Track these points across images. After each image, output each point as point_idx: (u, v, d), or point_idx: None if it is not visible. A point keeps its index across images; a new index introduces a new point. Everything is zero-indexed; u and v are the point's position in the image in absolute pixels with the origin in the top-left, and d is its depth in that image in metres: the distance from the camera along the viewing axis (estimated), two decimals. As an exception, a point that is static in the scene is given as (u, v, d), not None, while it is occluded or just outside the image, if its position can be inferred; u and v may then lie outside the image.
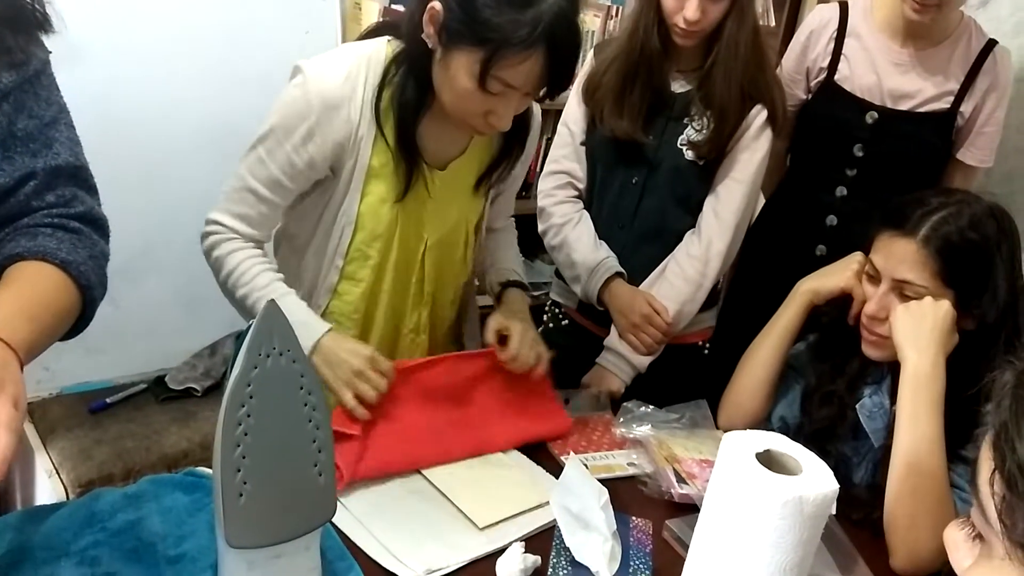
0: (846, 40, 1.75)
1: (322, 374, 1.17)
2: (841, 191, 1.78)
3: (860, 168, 1.75)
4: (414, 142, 1.22)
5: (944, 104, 1.70)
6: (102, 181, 1.01)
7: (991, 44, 1.69)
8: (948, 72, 1.69)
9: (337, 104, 1.19)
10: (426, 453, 1.22)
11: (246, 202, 1.23)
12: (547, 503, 1.12)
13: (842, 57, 1.75)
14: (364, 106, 1.21)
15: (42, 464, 1.84)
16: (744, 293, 1.91)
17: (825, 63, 1.77)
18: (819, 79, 1.79)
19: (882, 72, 1.71)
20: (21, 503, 1.88)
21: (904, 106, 1.71)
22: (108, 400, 2.05)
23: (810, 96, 1.82)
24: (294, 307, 1.21)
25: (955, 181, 1.76)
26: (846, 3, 1.78)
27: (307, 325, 1.20)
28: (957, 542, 0.61)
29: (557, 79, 1.14)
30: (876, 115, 1.72)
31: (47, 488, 1.78)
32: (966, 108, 1.69)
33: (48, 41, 0.92)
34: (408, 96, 1.19)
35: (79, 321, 0.94)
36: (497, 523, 1.10)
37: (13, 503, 1.87)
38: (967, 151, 1.74)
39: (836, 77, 1.76)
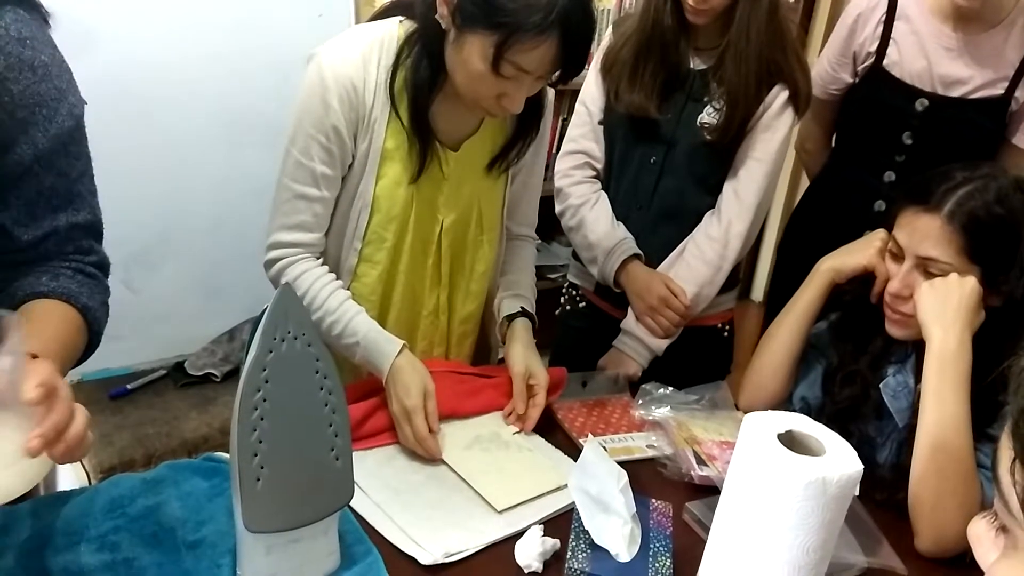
0: (895, 23, 1.69)
1: (389, 387, 1.21)
2: (889, 176, 1.74)
3: (909, 154, 1.70)
4: (427, 121, 1.22)
5: (998, 90, 1.64)
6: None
7: None
8: (1003, 57, 1.63)
9: (354, 85, 1.19)
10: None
11: (299, 210, 1.23)
12: (565, 486, 1.11)
13: (891, 41, 1.69)
14: (378, 88, 1.21)
15: (65, 450, 1.86)
16: (789, 277, 1.88)
17: (873, 47, 1.72)
18: (867, 64, 1.73)
19: (933, 57, 1.65)
20: (43, 488, 1.90)
21: (955, 93, 1.65)
22: (128, 386, 2.07)
23: (857, 80, 1.77)
24: (366, 327, 1.24)
25: (1008, 164, 1.69)
26: None
27: (379, 346, 1.23)
28: (981, 536, 0.59)
29: (570, 64, 1.13)
30: (926, 102, 1.67)
31: (69, 474, 1.80)
32: (1021, 93, 1.63)
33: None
34: (421, 75, 1.19)
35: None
36: (515, 506, 1.10)
37: (36, 489, 1.89)
38: (1022, 135, 1.67)
39: (885, 62, 1.71)
